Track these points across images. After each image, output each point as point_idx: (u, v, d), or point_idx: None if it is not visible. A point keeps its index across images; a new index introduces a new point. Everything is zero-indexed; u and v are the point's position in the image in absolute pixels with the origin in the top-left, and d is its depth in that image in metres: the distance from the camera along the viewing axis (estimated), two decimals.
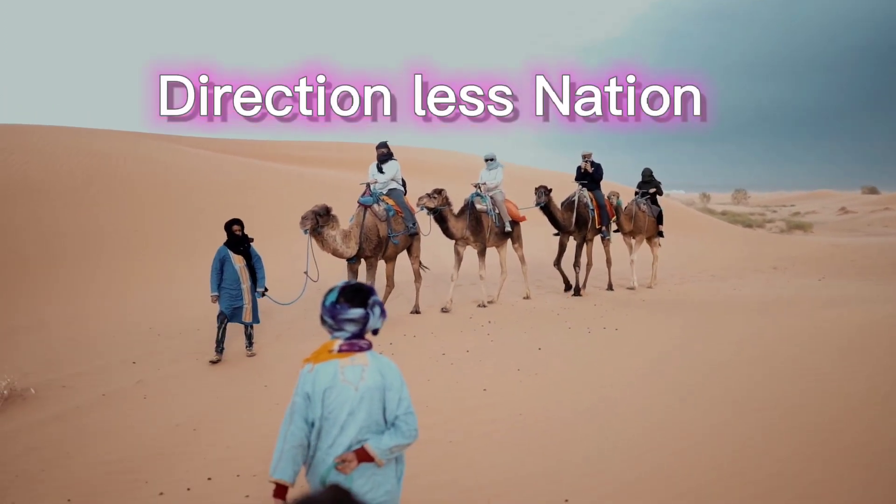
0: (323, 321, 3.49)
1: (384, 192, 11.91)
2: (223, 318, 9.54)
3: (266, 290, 9.85)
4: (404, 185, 12.39)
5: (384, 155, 11.95)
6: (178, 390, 8.61)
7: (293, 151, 38.17)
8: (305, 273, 10.54)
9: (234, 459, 6.51)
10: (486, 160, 13.31)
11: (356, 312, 3.41)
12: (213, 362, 9.52)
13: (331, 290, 3.49)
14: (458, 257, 12.84)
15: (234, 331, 11.01)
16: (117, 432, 7.32)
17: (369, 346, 3.52)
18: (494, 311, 12.44)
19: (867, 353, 8.58)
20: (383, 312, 3.54)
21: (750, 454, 5.95)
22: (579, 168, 14.59)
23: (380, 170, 12.03)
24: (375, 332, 3.57)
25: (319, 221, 10.40)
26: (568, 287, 14.42)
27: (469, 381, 8.50)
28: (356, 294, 3.45)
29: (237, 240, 9.64)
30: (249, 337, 9.94)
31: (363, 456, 3.38)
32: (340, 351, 3.45)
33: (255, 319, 9.84)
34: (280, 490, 3.49)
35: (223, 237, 9.79)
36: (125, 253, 15.54)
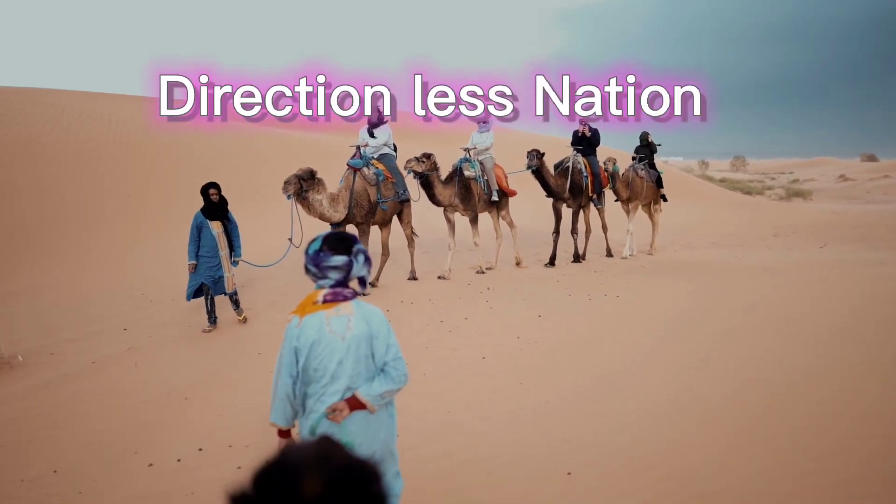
0: (307, 270, 3.46)
1: (375, 157, 11.55)
2: (206, 290, 9.24)
3: (239, 260, 9.53)
4: (395, 150, 12.01)
5: (375, 119, 11.60)
6: (169, 357, 8.43)
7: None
8: (289, 239, 10.22)
9: (226, 429, 6.33)
10: (478, 122, 12.81)
11: (339, 259, 3.38)
12: (207, 331, 9.30)
13: (314, 239, 3.47)
14: (450, 224, 12.49)
15: (223, 301, 10.84)
16: (107, 401, 7.14)
17: (354, 295, 3.49)
18: (492, 277, 12.22)
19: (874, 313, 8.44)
20: (367, 260, 3.50)
21: (766, 422, 5.77)
22: (576, 132, 14.09)
23: (371, 134, 11.65)
24: (363, 283, 3.55)
25: (304, 185, 10.04)
26: (552, 261, 13.56)
27: (467, 348, 8.32)
28: (340, 242, 3.43)
29: (214, 205, 9.24)
30: (237, 303, 9.60)
31: (355, 404, 3.38)
32: (325, 301, 3.41)
33: (234, 288, 9.49)
34: (282, 432, 3.62)
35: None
36: (123, 217, 15.30)
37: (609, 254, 14.59)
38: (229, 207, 9.47)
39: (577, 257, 13.90)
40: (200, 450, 5.90)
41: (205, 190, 9.26)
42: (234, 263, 9.42)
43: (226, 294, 9.39)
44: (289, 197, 9.98)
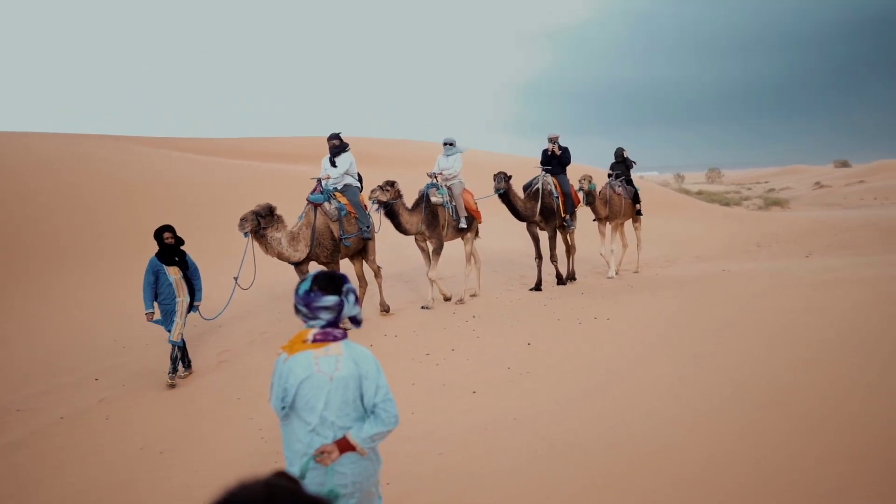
0: (297, 310, 3.41)
1: (338, 188, 10.97)
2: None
3: (198, 305, 9.03)
4: (360, 180, 11.45)
5: (336, 147, 11.02)
6: (142, 408, 7.99)
7: (251, 147, 37.38)
8: (235, 279, 9.75)
9: (206, 486, 5.92)
10: (445, 144, 12.34)
11: (330, 300, 3.34)
12: (182, 377, 8.90)
13: (303, 279, 3.42)
14: (425, 252, 11.99)
15: (200, 341, 10.42)
16: (78, 459, 6.72)
17: (344, 335, 3.46)
18: (478, 305, 11.87)
19: (864, 320, 8.17)
20: (357, 300, 3.46)
21: (755, 430, 5.44)
22: (545, 151, 13.61)
23: (332, 164, 11.08)
24: (357, 323, 3.50)
25: (261, 223, 9.49)
26: (560, 280, 13.52)
27: (456, 382, 7.96)
28: (330, 282, 3.38)
29: (170, 249, 8.70)
30: (174, 361, 8.69)
31: (345, 446, 3.34)
32: (315, 341, 3.38)
33: (181, 340, 8.79)
34: None
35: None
36: (89, 262, 14.78)
37: (561, 280, 13.60)
38: (188, 249, 9.05)
39: (562, 279, 13.50)
40: None
41: (158, 234, 8.71)
42: (194, 309, 8.92)
43: (170, 342, 8.68)
44: (245, 234, 9.44)
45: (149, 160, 23.79)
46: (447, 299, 11.97)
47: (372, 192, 10.92)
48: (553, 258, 13.38)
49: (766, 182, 70.27)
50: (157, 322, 8.75)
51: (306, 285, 3.38)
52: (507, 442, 6.22)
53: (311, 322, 3.39)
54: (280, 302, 12.55)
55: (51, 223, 15.79)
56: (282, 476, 1.52)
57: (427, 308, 11.56)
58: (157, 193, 19.57)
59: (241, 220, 9.38)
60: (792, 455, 5.27)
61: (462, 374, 8.22)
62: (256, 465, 6.32)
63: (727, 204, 40.89)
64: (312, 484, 3.35)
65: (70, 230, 15.65)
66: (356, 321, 3.49)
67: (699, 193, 47.37)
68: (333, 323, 3.40)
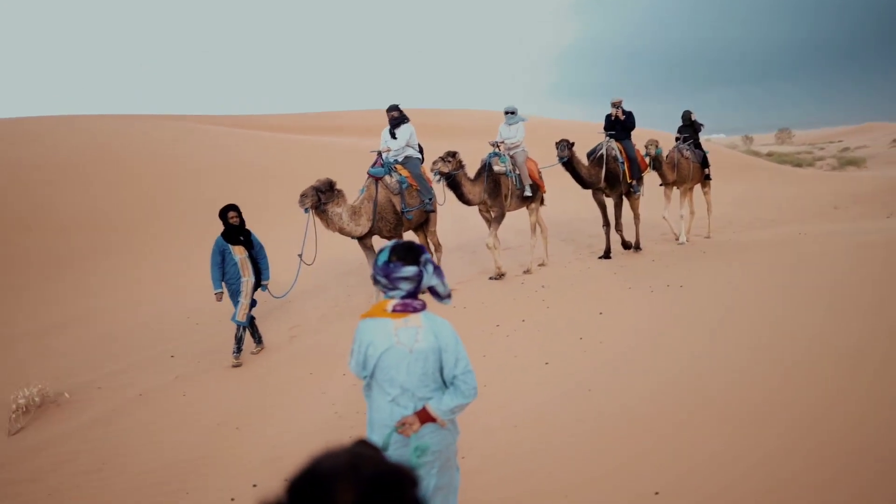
0: (376, 281, 3.40)
1: (398, 161, 10.84)
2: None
3: (267, 283, 9.00)
4: (421, 151, 11.27)
5: (396, 119, 10.85)
6: (217, 385, 8.08)
7: (312, 122, 37.57)
8: (299, 256, 9.73)
9: (281, 460, 5.95)
10: (506, 113, 12.03)
11: (410, 270, 3.32)
12: (254, 352, 8.99)
13: (382, 250, 3.40)
14: (489, 223, 11.73)
15: (271, 318, 10.51)
16: (156, 435, 6.82)
17: (423, 307, 3.42)
18: (546, 274, 11.70)
19: None
20: (437, 270, 3.44)
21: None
22: (608, 116, 13.32)
23: (392, 135, 10.94)
24: (439, 296, 3.47)
25: (322, 198, 9.41)
26: (626, 246, 13.22)
27: (528, 354, 7.84)
28: (408, 252, 3.37)
29: (234, 229, 8.68)
30: (239, 341, 8.71)
31: (425, 417, 3.34)
32: (395, 311, 3.35)
33: (247, 320, 8.76)
34: None
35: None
36: (161, 239, 15.09)
37: (637, 246, 13.38)
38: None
39: (627, 245, 13.21)
40: (255, 486, 5.53)
41: (223, 213, 8.70)
42: (263, 288, 8.92)
43: (234, 321, 8.73)
44: (306, 210, 9.37)
45: (212, 139, 24.13)
46: (500, 275, 11.65)
47: (434, 163, 10.75)
48: (618, 226, 13.06)
49: (840, 141, 68.03)
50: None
51: (385, 256, 3.36)
52: (582, 414, 6.08)
53: (391, 293, 3.38)
54: (348, 277, 12.60)
55: (125, 202, 16.15)
56: (364, 444, 1.53)
57: (496, 278, 11.45)
58: (222, 171, 19.86)
59: (301, 196, 9.33)
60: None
61: (534, 346, 8.10)
62: (331, 438, 6.27)
63: (799, 165, 39.66)
64: (395, 454, 3.37)
65: (142, 208, 16.00)
66: (437, 293, 3.46)
67: (769, 155, 46.07)
68: (413, 293, 3.39)
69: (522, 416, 6.22)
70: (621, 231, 13.12)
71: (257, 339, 9.06)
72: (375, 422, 3.43)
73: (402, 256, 3.35)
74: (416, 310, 3.39)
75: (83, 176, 17.10)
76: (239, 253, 8.64)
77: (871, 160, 42.37)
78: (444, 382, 3.44)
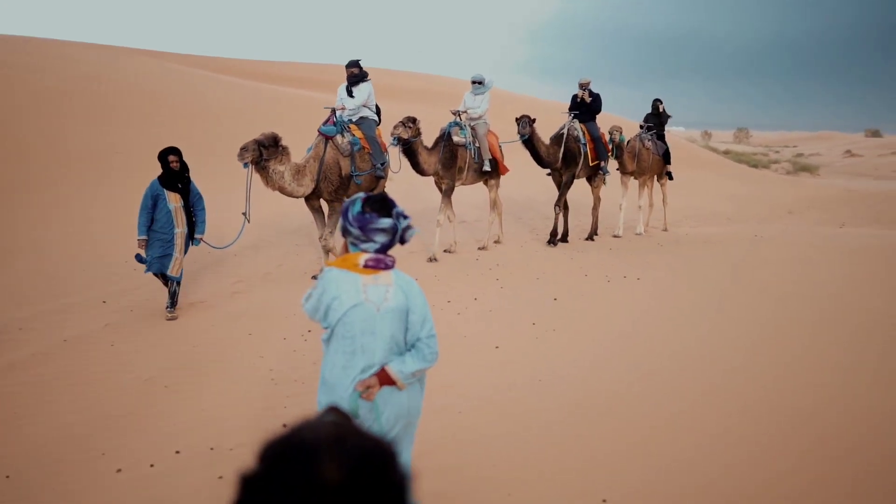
0: (347, 232, 3.22)
1: (353, 121, 10.18)
2: (157, 274, 8.13)
3: (202, 237, 8.36)
4: (378, 113, 10.59)
5: (355, 76, 10.16)
6: (150, 337, 7.63)
7: (287, 72, 36.67)
8: (243, 214, 9.12)
9: (209, 426, 5.60)
10: (473, 82, 11.53)
11: (386, 222, 3.17)
12: (168, 319, 8.15)
13: (352, 201, 3.23)
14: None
15: (213, 271, 10.06)
16: (77, 387, 6.38)
17: (394, 263, 3.29)
18: (501, 253, 11.43)
19: None
20: (408, 222, 3.26)
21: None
22: (574, 97, 12.86)
23: (349, 93, 10.24)
24: (402, 242, 3.31)
25: (264, 153, 8.71)
26: (560, 237, 12.53)
27: (479, 335, 7.56)
28: (382, 204, 3.22)
29: (173, 174, 8.01)
30: (173, 295, 8.17)
31: (385, 379, 3.20)
32: (367, 266, 3.21)
33: (179, 276, 8.19)
34: None
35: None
36: (103, 177, 14.35)
37: (592, 235, 13.05)
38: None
39: (556, 236, 12.38)
40: (178, 452, 5.15)
41: (163, 156, 8.02)
42: (196, 242, 8.29)
43: (165, 274, 8.07)
44: (245, 165, 8.68)
45: (178, 79, 23.27)
46: (446, 251, 11.27)
47: (395, 128, 10.21)
48: (558, 205, 12.35)
49: (795, 146, 68.81)
50: (137, 258, 8.11)
51: (357, 207, 3.20)
52: (530, 405, 5.83)
53: (364, 245, 3.21)
54: (295, 236, 12.17)
55: (63, 131, 15.35)
56: (338, 412, 1.48)
57: (449, 252, 11.12)
58: (179, 111, 19.10)
59: (242, 149, 8.62)
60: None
61: (484, 327, 7.83)
62: (265, 406, 5.98)
63: (755, 166, 39.98)
64: (363, 421, 3.21)
65: (84, 141, 15.22)
66: (403, 242, 3.30)
67: (726, 153, 46.42)
68: (387, 247, 3.24)
69: (468, 401, 5.95)
70: (559, 213, 12.38)
71: (170, 302, 8.25)
72: (329, 381, 3.29)
73: (377, 208, 3.20)
74: (387, 266, 3.25)
75: (47, 102, 16.25)
76: (174, 201, 8.00)
77: (823, 169, 42.99)
78: (406, 344, 3.31)
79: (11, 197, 12.34)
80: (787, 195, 24.64)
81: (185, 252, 8.17)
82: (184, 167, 8.11)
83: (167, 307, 8.21)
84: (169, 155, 8.01)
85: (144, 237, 7.95)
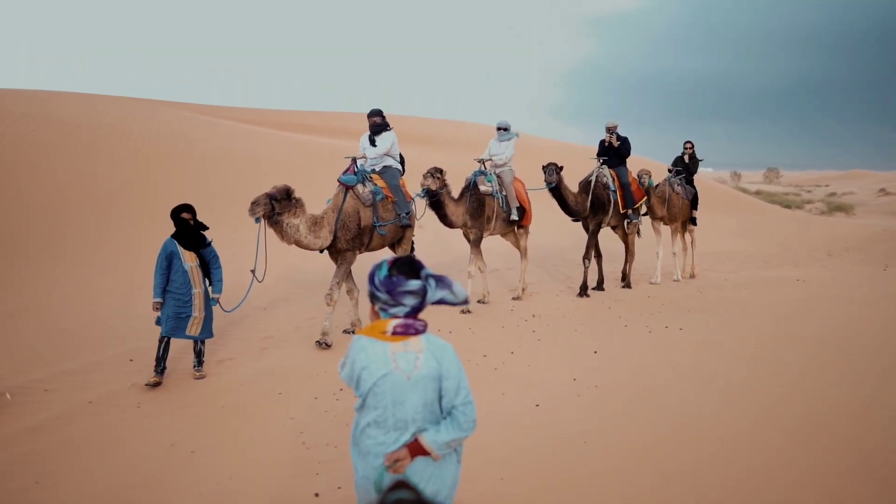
0: (375, 298, 3.09)
1: (376, 170, 9.88)
2: (163, 337, 7.71)
3: (219, 297, 7.91)
4: (403, 162, 10.26)
5: (377, 125, 9.88)
6: (177, 396, 7.37)
7: (312, 121, 36.91)
8: (252, 271, 8.55)
9: (237, 495, 5.31)
10: (499, 129, 11.29)
11: (415, 284, 3.03)
12: (152, 385, 7.60)
13: (378, 266, 3.11)
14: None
15: (243, 325, 9.82)
16: (102, 451, 6.12)
17: (425, 328, 3.14)
18: (537, 302, 11.13)
19: None
20: (440, 281, 3.10)
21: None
22: (602, 142, 12.60)
23: (371, 142, 9.97)
24: (454, 304, 3.16)
25: (276, 207, 8.33)
26: (595, 286, 12.31)
27: (517, 392, 7.23)
28: (410, 266, 3.08)
29: (188, 231, 7.65)
30: (199, 354, 7.91)
31: (417, 450, 3.05)
32: (395, 333, 3.06)
33: (208, 333, 7.85)
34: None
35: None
36: (127, 226, 14.29)
37: (627, 284, 12.71)
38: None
39: (583, 288, 11.88)
40: None
41: (176, 213, 7.67)
42: (213, 302, 7.88)
43: (187, 336, 7.70)
44: (257, 220, 8.28)
45: (206, 129, 23.40)
46: (479, 301, 10.96)
47: (424, 177, 10.01)
48: (587, 256, 11.99)
49: (827, 185, 68.16)
50: (158, 322, 7.72)
51: (384, 271, 3.08)
52: (577, 471, 5.48)
53: (393, 310, 3.08)
54: (323, 288, 11.94)
55: (93, 186, 15.39)
56: (406, 487, 1.48)
57: (483, 302, 10.81)
58: (207, 163, 19.15)
59: (253, 203, 8.23)
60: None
61: (523, 383, 7.49)
62: (297, 476, 5.68)
63: (788, 206, 39.46)
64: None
65: (117, 197, 15.23)
66: (449, 303, 3.13)
67: (758, 193, 45.91)
68: (416, 310, 3.09)
69: (510, 464, 5.61)
70: (588, 265, 12.01)
71: (161, 369, 7.77)
72: (362, 448, 3.15)
73: (405, 271, 3.07)
74: (417, 331, 3.10)
75: (52, 156, 16.30)
76: (190, 260, 7.62)
77: (858, 207, 42.31)
78: (442, 413, 3.15)
79: (31, 250, 12.27)
80: (824, 236, 24.13)
81: (206, 311, 7.78)
82: (199, 225, 7.77)
83: (195, 366, 7.96)
84: (182, 212, 7.68)
85: (160, 300, 7.58)
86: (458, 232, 11.44)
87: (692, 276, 14.02)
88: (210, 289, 7.83)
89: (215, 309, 8.04)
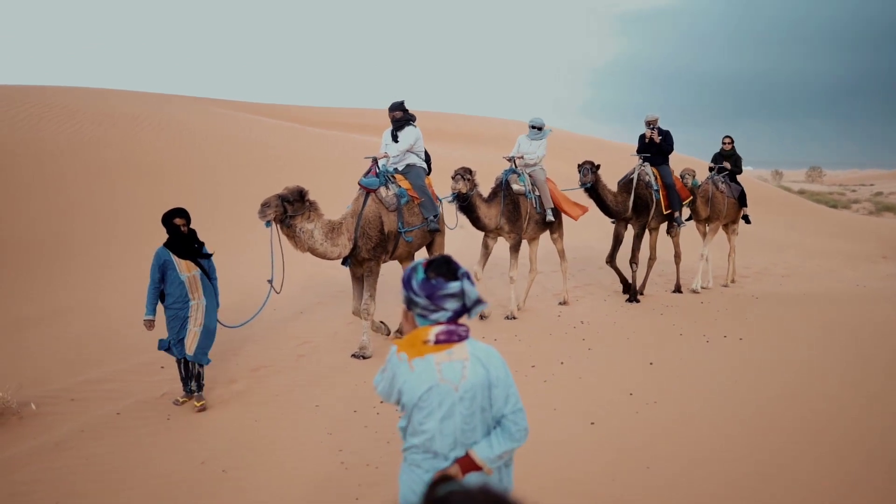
0: (413, 304, 2.83)
1: (398, 169, 9.11)
2: (179, 359, 6.99)
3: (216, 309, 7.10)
4: (428, 160, 9.42)
5: (399, 119, 9.11)
6: (210, 411, 6.93)
7: (340, 118, 36.60)
8: (269, 282, 7.74)
9: None
10: (532, 127, 10.50)
11: (455, 286, 2.79)
12: (180, 403, 7.04)
13: (412, 270, 2.86)
14: (486, 251, 10.23)
15: (275, 330, 9.42)
16: (128, 468, 5.75)
17: (468, 333, 2.89)
18: (585, 307, 10.62)
19: None
20: (472, 284, 2.87)
21: None
22: (642, 137, 11.66)
23: (394, 138, 9.19)
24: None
25: (288, 210, 7.61)
26: (626, 289, 11.58)
27: (570, 408, 6.72)
28: (447, 267, 2.83)
29: (183, 239, 6.85)
30: (198, 378, 7.01)
31: (469, 465, 2.83)
32: (438, 342, 2.81)
33: (202, 356, 6.92)
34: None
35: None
36: (158, 232, 13.95)
37: (678, 288, 12.09)
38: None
39: (630, 291, 11.38)
40: None
41: (167, 219, 6.86)
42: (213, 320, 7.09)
43: (184, 356, 6.91)
44: (268, 224, 7.56)
45: (228, 126, 23.17)
46: (518, 308, 10.34)
47: (454, 180, 9.25)
48: (634, 260, 11.30)
49: (872, 184, 66.35)
50: (162, 345, 7.04)
51: (420, 274, 2.83)
52: (641, 498, 4.99)
53: (434, 316, 2.82)
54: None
55: (120, 190, 15.13)
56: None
57: (513, 317, 10.06)
58: (241, 160, 18.87)
59: (263, 205, 7.50)
60: None
61: (575, 397, 6.99)
62: (335, 499, 5.24)
63: (834, 206, 38.32)
64: None
65: (143, 199, 14.94)
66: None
67: (801, 192, 44.73)
68: (458, 314, 2.84)
69: (568, 489, 5.13)
70: (635, 267, 11.33)
71: (188, 389, 7.09)
72: (409, 464, 2.93)
73: (442, 272, 2.82)
74: (461, 338, 2.85)
75: (80, 157, 16.09)
76: (186, 270, 6.81)
77: None
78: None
79: (63, 255, 11.99)
80: (874, 237, 23.23)
81: (205, 325, 6.92)
82: (193, 234, 7.00)
83: (193, 392, 7.09)
84: (175, 217, 6.87)
85: (151, 317, 6.85)
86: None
87: (726, 284, 13.17)
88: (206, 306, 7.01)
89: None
